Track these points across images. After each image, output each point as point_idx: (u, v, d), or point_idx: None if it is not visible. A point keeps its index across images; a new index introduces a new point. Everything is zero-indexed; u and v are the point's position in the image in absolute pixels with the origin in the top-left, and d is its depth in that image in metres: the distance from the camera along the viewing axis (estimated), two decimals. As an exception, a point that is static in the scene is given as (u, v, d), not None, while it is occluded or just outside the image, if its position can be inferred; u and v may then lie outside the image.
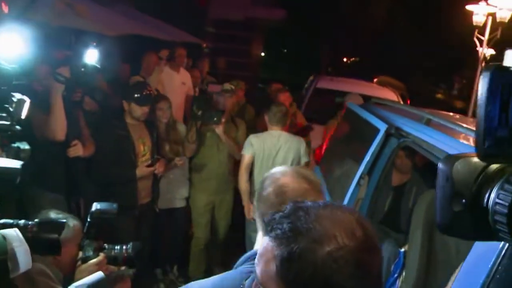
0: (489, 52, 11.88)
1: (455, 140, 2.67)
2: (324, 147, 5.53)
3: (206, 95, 4.94)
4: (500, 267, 1.72)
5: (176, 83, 6.07)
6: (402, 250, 3.10)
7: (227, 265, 5.40)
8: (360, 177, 3.31)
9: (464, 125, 2.77)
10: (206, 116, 4.56)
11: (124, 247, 2.21)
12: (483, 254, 1.82)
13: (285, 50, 25.04)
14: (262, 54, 19.42)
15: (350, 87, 8.82)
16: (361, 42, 21.21)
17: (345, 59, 27.53)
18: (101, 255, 2.14)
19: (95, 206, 2.18)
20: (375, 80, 13.47)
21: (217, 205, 4.98)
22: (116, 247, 2.20)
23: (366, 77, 12.71)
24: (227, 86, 4.90)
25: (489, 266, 1.74)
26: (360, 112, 4.01)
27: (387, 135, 3.27)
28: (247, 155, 4.53)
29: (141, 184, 4.04)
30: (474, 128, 2.56)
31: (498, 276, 1.72)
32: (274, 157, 4.49)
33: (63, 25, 4.89)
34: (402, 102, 8.82)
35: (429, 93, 25.14)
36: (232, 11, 14.60)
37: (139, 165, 4.03)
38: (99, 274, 1.96)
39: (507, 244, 1.73)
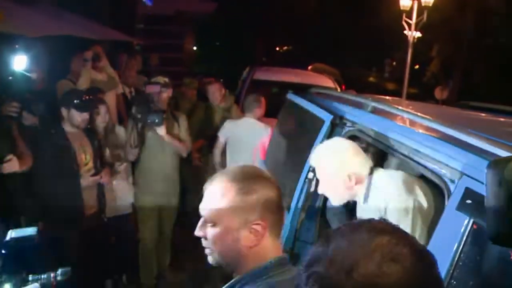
0: (417, 34, 12.28)
1: (403, 127, 2.69)
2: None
3: (144, 96, 4.71)
4: (462, 255, 1.73)
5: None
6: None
7: (177, 269, 5.31)
8: (309, 171, 3.27)
9: (409, 111, 2.79)
10: (148, 119, 4.40)
11: (52, 274, 1.99)
12: (446, 240, 1.83)
13: (218, 43, 24.85)
14: (195, 48, 19.18)
15: (287, 77, 8.85)
16: (292, 30, 21.38)
17: (277, 48, 27.72)
18: None
19: (10, 234, 1.97)
20: (309, 67, 13.60)
21: (164, 206, 4.85)
22: (42, 276, 1.98)
23: (300, 65, 12.82)
24: (161, 79, 4.65)
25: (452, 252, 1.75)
26: (302, 103, 3.97)
27: (333, 125, 3.25)
28: (220, 137, 5.22)
29: (86, 195, 3.86)
30: (418, 114, 2.58)
31: (461, 263, 1.72)
32: (243, 142, 5.08)
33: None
34: (338, 88, 8.95)
35: (361, 77, 25.78)
36: (162, 5, 14.29)
37: (83, 175, 3.84)
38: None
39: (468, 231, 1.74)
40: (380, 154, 3.11)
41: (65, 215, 3.70)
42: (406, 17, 11.73)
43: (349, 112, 3.23)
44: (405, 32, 12.61)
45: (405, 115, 2.72)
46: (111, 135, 4.36)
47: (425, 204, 2.31)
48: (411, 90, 16.49)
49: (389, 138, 2.60)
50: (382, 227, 0.98)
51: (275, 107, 5.99)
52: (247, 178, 1.52)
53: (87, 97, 3.87)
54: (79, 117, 3.76)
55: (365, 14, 18.80)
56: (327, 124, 3.23)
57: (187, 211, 5.37)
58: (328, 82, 8.67)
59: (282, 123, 4.76)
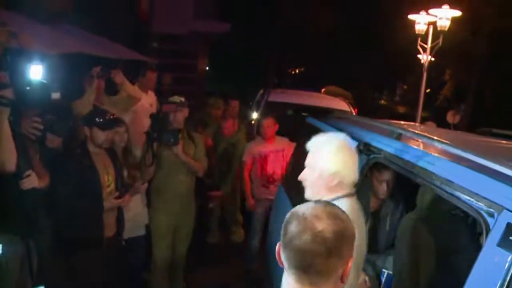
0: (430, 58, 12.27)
1: (430, 155, 2.62)
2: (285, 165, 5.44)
3: (160, 115, 4.68)
4: None
5: (144, 105, 5.85)
6: (386, 272, 3.03)
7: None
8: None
9: (438, 139, 2.73)
10: (163, 138, 4.40)
11: None
12: (487, 277, 1.75)
13: (230, 64, 24.98)
14: (207, 68, 19.26)
15: (302, 99, 8.83)
16: (305, 52, 21.43)
17: (289, 70, 27.79)
18: None
19: None
20: (322, 90, 13.60)
21: (179, 226, 4.80)
22: None
23: (312, 87, 12.81)
24: (177, 99, 4.64)
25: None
26: (324, 128, 3.91)
27: (357, 152, 3.19)
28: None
29: (107, 217, 3.79)
30: (448, 142, 2.51)
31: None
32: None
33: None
34: (353, 112, 8.90)
35: (373, 100, 25.78)
36: (175, 25, 14.40)
37: (105, 197, 3.77)
38: None
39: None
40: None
41: (86, 236, 3.65)
42: (421, 41, 11.71)
43: (375, 139, 3.16)
44: (419, 56, 12.58)
45: (435, 144, 2.65)
46: (129, 156, 4.31)
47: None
48: (423, 113, 16.43)
49: (419, 168, 2.53)
50: None
51: (290, 129, 5.99)
52: None
53: (110, 116, 3.82)
54: (102, 135, 3.72)
55: (378, 38, 18.83)
56: (352, 151, 3.17)
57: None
58: (344, 106, 8.62)
59: (303, 148, 4.69)
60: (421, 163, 2.53)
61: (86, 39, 8.24)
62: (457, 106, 16.89)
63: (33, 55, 4.70)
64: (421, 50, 11.87)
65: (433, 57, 12.48)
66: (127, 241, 4.32)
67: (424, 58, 11.88)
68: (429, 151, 2.69)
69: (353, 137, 3.30)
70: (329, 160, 2.35)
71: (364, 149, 3.17)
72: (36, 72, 3.52)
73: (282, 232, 1.47)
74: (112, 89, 4.77)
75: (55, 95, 4.76)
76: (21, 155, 3.05)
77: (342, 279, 1.46)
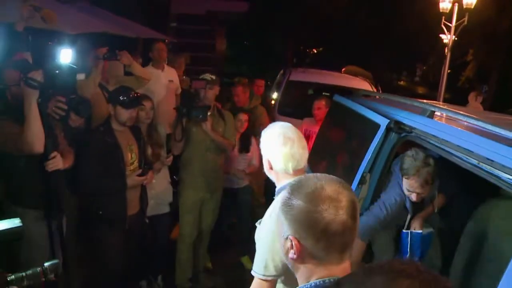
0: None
1: (467, 133, 2.53)
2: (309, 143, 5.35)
3: (190, 91, 4.70)
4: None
5: (162, 82, 5.80)
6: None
7: (212, 274, 5.23)
8: (362, 176, 3.15)
9: (474, 116, 2.63)
10: (193, 114, 4.41)
11: (38, 269, 1.74)
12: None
13: (248, 44, 24.76)
14: (225, 48, 19.12)
15: (324, 79, 8.72)
16: (324, 32, 21.12)
17: (307, 50, 27.48)
18: None
19: None
20: (343, 70, 13.41)
21: (205, 202, 4.81)
22: (28, 272, 1.72)
23: (331, 67, 12.63)
24: (208, 76, 4.61)
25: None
26: (353, 106, 3.83)
27: (388, 130, 3.11)
28: None
29: (130, 195, 3.78)
30: (484, 120, 2.42)
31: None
32: None
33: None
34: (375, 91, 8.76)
35: (392, 81, 25.42)
36: (194, 5, 14.31)
37: (129, 175, 3.76)
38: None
39: None
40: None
41: (108, 214, 3.65)
42: (445, 20, 11.43)
43: (406, 117, 3.08)
44: (442, 36, 12.31)
45: (471, 121, 2.56)
46: (154, 134, 4.29)
47: None
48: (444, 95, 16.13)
49: (455, 146, 2.45)
50: (401, 269, 0.83)
51: (310, 108, 5.91)
52: None
53: (134, 94, 3.78)
54: (126, 114, 3.70)
55: (399, 17, 18.44)
56: (382, 129, 3.09)
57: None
58: (366, 85, 8.49)
59: (329, 126, 4.62)
60: (457, 141, 2.45)
61: (107, 19, 8.19)
62: (479, 88, 16.55)
63: (63, 38, 4.67)
64: (445, 29, 11.59)
65: (456, 36, 12.21)
66: (151, 219, 4.33)
67: (448, 38, 11.59)
68: (466, 129, 2.60)
69: (383, 115, 3.23)
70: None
71: (394, 127, 3.10)
72: (65, 55, 3.46)
73: (304, 224, 1.37)
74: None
75: (80, 76, 4.74)
76: (47, 136, 3.04)
77: None
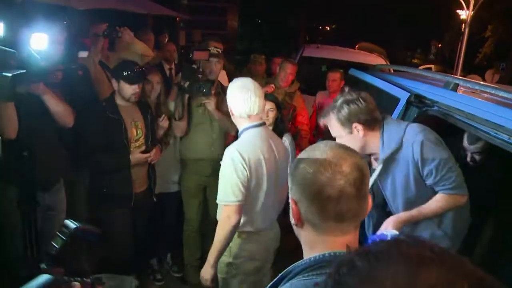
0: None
1: (496, 106, 2.36)
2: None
3: (191, 64, 4.22)
4: None
5: None
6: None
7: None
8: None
9: (498, 87, 2.46)
10: (194, 88, 3.96)
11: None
12: None
13: (259, 21, 24.44)
14: (237, 25, 18.86)
15: (337, 55, 8.54)
16: (337, 9, 20.78)
17: (320, 27, 27.12)
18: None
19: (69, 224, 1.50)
20: (356, 46, 13.15)
21: (210, 186, 4.51)
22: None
23: (344, 44, 12.38)
24: (213, 49, 4.11)
25: None
26: (371, 80, 3.66)
27: (408, 103, 2.95)
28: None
29: (136, 172, 3.64)
30: (505, 89, 2.24)
31: None
32: None
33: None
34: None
35: (406, 58, 25.01)
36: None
37: (133, 151, 3.61)
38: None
39: None
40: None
41: (112, 191, 3.54)
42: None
43: (428, 90, 2.91)
44: (459, 11, 11.98)
45: (500, 94, 2.39)
46: (163, 109, 4.09)
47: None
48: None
49: (483, 120, 2.29)
50: (418, 253, 0.64)
51: (324, 85, 5.76)
52: None
53: (138, 69, 3.61)
54: (130, 89, 3.53)
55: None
56: (402, 103, 2.93)
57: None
58: (381, 61, 8.27)
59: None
60: (485, 115, 2.28)
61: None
62: (497, 65, 16.14)
63: (66, 13, 4.52)
64: (463, 3, 11.24)
65: (475, 12, 11.85)
66: (159, 197, 4.17)
67: (466, 13, 11.26)
68: (494, 102, 2.43)
69: (402, 88, 3.06)
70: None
71: (415, 100, 2.93)
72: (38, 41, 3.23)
73: (300, 185, 1.35)
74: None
75: (83, 54, 4.57)
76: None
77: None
